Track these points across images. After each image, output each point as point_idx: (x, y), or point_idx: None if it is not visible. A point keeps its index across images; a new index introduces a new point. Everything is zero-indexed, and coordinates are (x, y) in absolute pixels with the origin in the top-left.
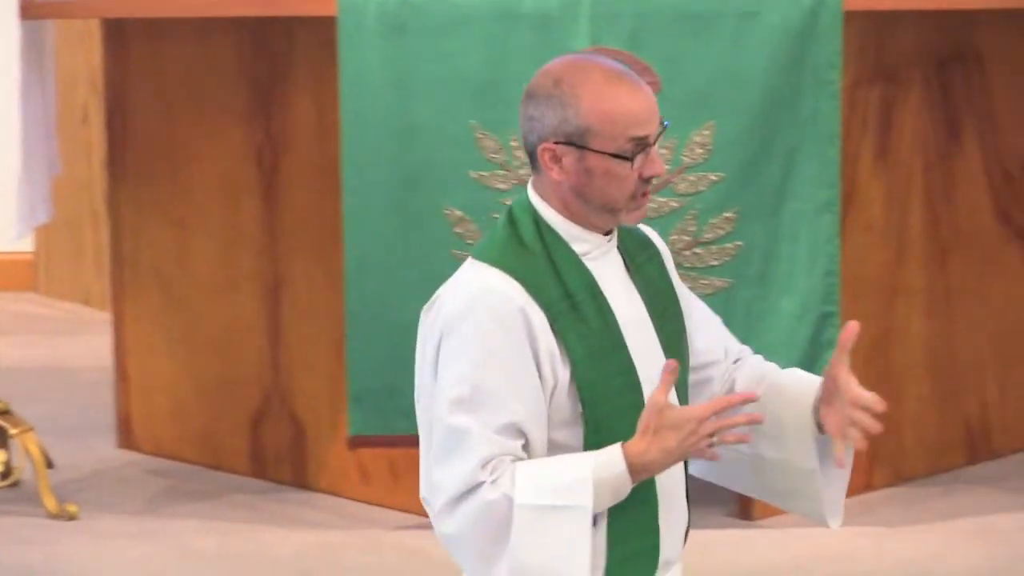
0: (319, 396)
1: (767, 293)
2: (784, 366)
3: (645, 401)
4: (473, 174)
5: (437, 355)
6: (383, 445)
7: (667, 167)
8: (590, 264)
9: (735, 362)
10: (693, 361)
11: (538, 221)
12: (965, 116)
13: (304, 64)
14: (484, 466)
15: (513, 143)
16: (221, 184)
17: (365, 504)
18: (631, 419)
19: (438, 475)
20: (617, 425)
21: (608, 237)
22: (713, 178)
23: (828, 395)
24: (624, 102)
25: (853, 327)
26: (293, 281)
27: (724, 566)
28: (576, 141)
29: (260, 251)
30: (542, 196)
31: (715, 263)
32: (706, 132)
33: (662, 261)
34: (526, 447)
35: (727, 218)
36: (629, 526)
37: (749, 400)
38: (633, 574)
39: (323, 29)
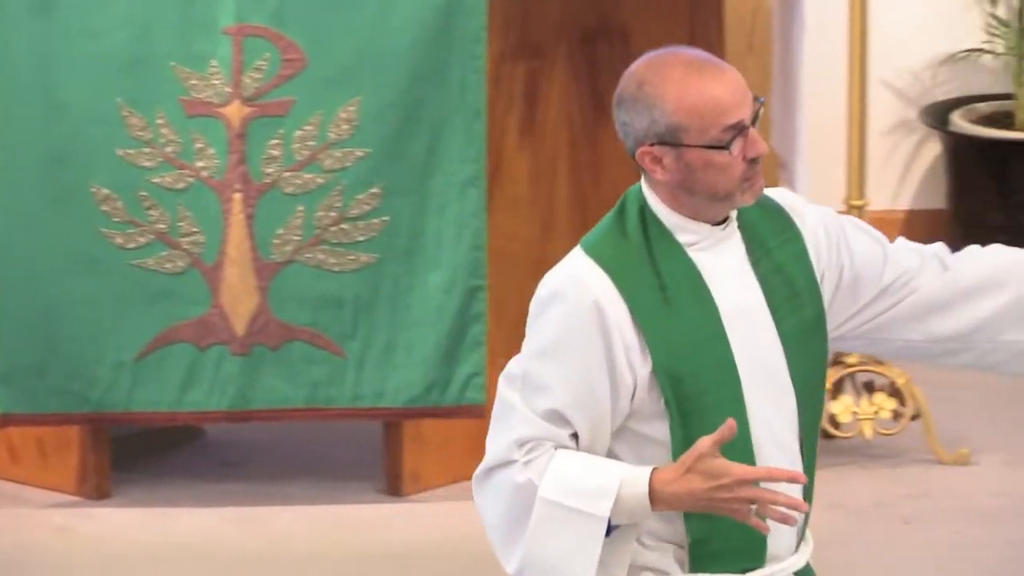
0: None
1: (414, 267)
2: (433, 340)
3: (745, 395)
4: (120, 152)
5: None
6: (33, 424)
7: (313, 143)
8: (696, 254)
9: (937, 258)
10: (893, 280)
11: (644, 211)
12: (610, 91)
13: None
14: (521, 446)
15: (159, 120)
16: None
17: (13, 483)
18: (728, 412)
19: (488, 442)
20: (711, 418)
21: (722, 226)
22: (359, 154)
23: None
24: (708, 92)
25: None
26: None
27: (373, 544)
28: (669, 140)
29: None
30: (652, 188)
31: (362, 238)
32: (352, 108)
33: (803, 245)
34: (576, 437)
35: (373, 193)
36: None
37: (796, 481)
38: (733, 564)
39: None
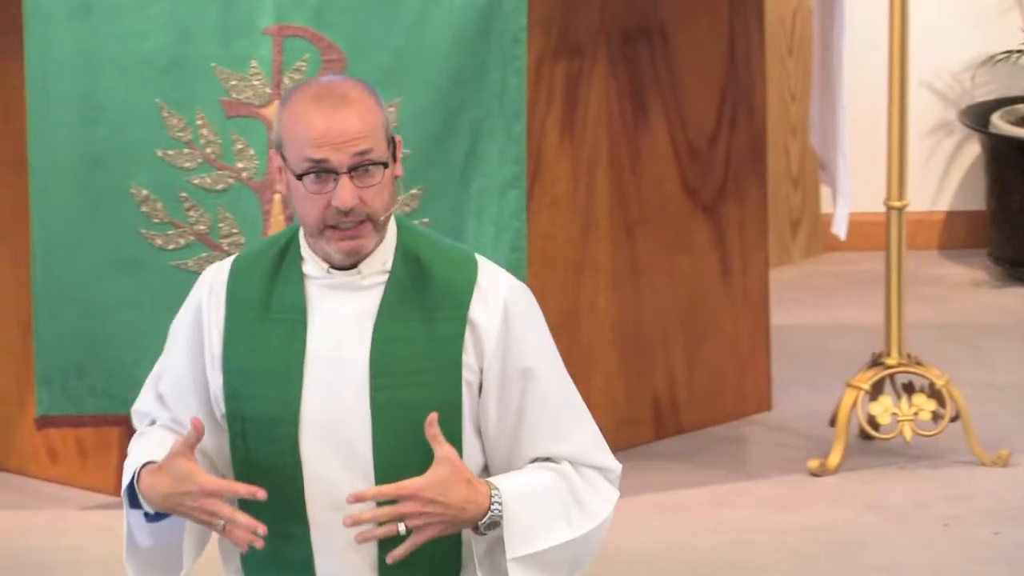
0: (6, 375)
1: None
2: None
3: (302, 444)
4: (159, 152)
5: None
6: (71, 425)
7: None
8: (317, 289)
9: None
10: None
11: (299, 230)
12: (650, 91)
13: None
14: (142, 418)
15: (199, 121)
16: None
17: (54, 483)
18: (277, 452)
19: None
20: (263, 450)
21: (352, 271)
22: None
23: None
24: (308, 119)
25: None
26: None
27: None
28: (281, 151)
29: None
30: None
31: None
32: (391, 109)
33: (459, 331)
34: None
35: (413, 195)
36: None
37: (254, 496)
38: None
39: (8, 8)
